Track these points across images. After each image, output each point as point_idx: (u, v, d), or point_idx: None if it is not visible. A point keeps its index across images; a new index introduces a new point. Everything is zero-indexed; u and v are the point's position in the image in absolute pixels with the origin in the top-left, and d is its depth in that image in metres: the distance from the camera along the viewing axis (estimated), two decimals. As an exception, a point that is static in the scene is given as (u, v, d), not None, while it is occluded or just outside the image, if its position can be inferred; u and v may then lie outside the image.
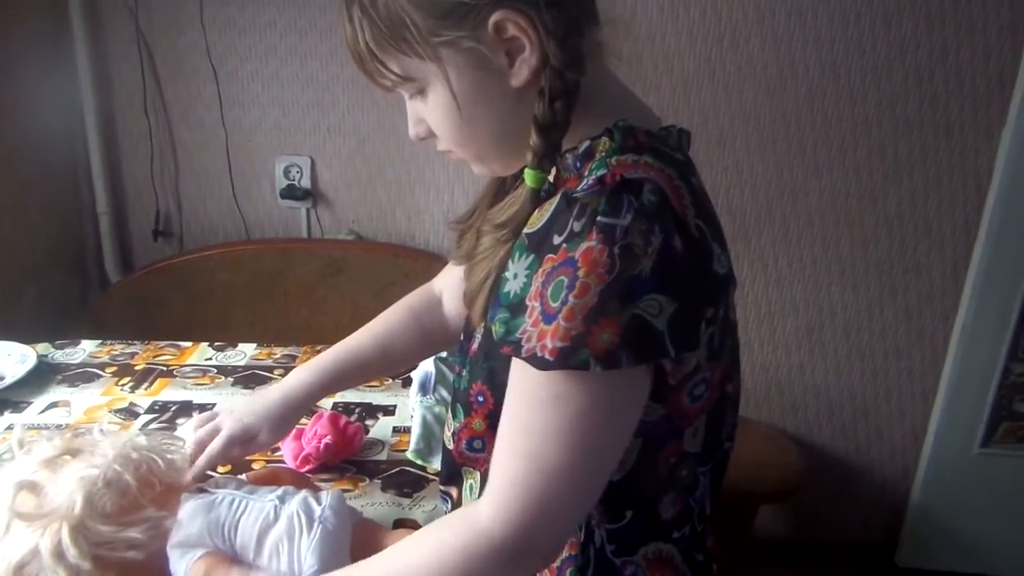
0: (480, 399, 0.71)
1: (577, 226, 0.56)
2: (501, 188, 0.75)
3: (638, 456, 0.66)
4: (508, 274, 0.61)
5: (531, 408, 0.59)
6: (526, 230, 0.62)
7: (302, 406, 0.93)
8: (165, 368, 1.31)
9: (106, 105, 1.89)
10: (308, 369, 0.94)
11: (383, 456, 1.07)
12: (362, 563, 0.69)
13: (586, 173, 0.60)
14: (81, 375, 1.28)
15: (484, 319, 0.65)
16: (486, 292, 0.64)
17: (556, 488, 0.59)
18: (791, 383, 2.07)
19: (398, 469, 1.04)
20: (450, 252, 1.96)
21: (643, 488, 0.67)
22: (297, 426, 1.01)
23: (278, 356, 1.37)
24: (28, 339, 1.36)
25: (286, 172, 1.91)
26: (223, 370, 1.31)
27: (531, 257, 0.59)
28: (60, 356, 1.35)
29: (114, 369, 1.31)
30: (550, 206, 0.61)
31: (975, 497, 2.11)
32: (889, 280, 1.98)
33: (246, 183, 1.94)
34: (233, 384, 1.27)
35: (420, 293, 0.99)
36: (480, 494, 0.74)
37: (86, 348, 1.38)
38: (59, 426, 1.13)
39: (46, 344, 1.39)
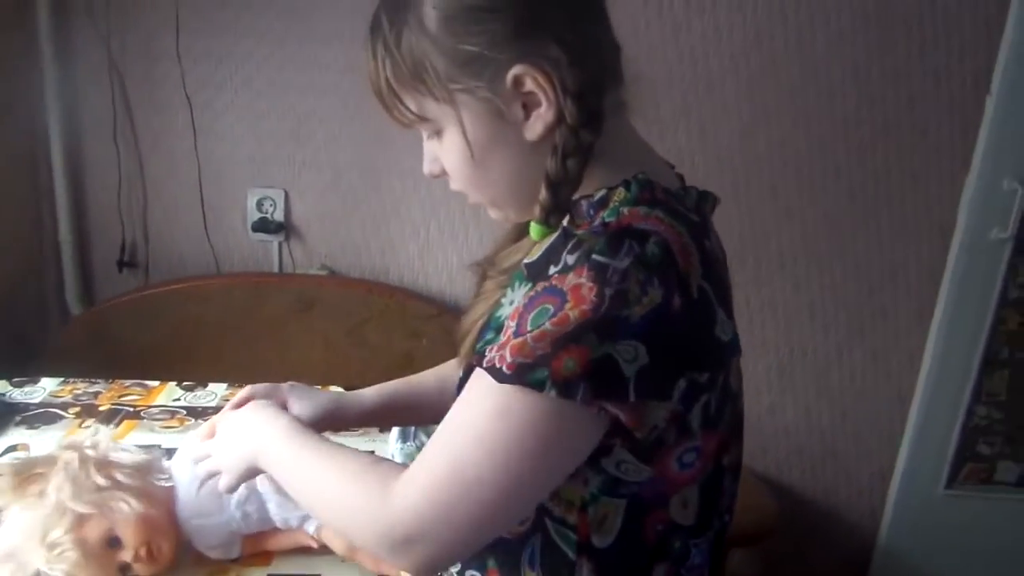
0: None
1: (570, 259, 0.57)
2: (524, 233, 0.76)
3: (623, 520, 0.65)
4: (505, 300, 0.62)
5: (474, 413, 0.59)
6: (525, 260, 0.63)
7: (345, 409, 0.95)
8: (132, 409, 1.27)
9: (73, 131, 1.84)
10: (369, 388, 0.98)
11: (362, 506, 1.04)
12: (303, 442, 0.72)
13: (597, 221, 0.61)
14: (41, 416, 1.23)
15: (471, 357, 0.64)
16: (475, 331, 0.64)
17: (467, 497, 0.58)
18: (761, 425, 2.08)
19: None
20: (425, 288, 1.95)
21: (631, 555, 0.66)
22: None
23: (250, 397, 1.33)
24: (-18, 374, 1.30)
25: (259, 205, 1.88)
26: (192, 411, 1.27)
27: (528, 286, 0.60)
28: (18, 395, 1.30)
29: (77, 409, 1.26)
30: (547, 242, 0.63)
31: (940, 538, 2.13)
32: (857, 322, 2.01)
33: (217, 215, 1.89)
34: (203, 427, 1.22)
35: None
36: None
37: (46, 387, 1.33)
38: (18, 472, 1.07)
39: (3, 381, 1.33)
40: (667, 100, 1.83)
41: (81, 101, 1.83)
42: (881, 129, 1.87)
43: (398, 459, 1.08)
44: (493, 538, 0.64)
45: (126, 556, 0.84)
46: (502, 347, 0.56)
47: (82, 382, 1.35)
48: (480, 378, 0.58)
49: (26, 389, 1.31)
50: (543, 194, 0.62)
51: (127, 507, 0.83)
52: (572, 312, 0.54)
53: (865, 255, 1.96)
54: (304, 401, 0.92)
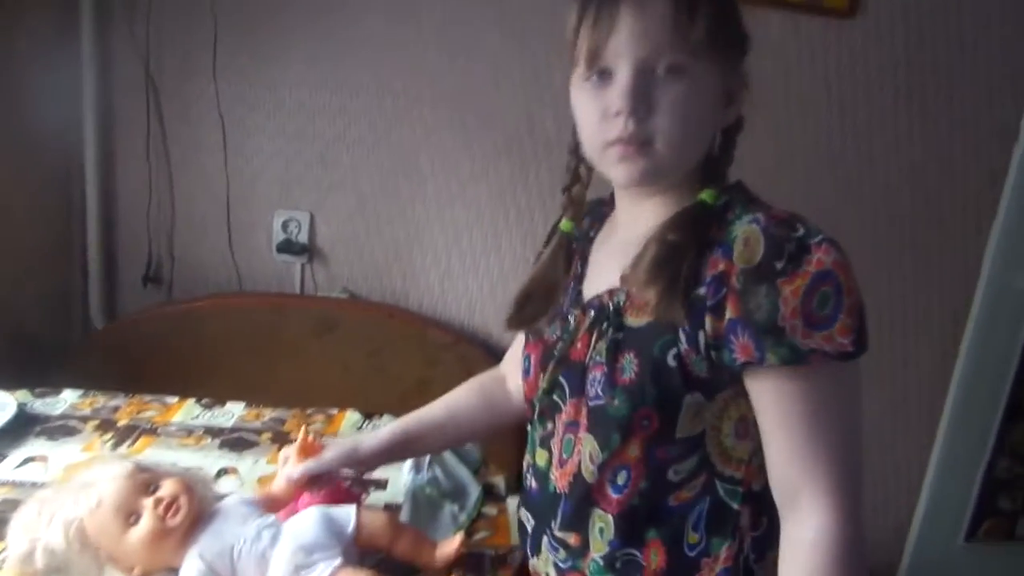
0: (645, 423, 0.75)
1: (791, 247, 0.69)
2: (566, 257, 0.88)
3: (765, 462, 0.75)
4: (749, 306, 0.69)
5: (831, 396, 0.71)
6: (744, 266, 0.70)
7: (369, 450, 1.00)
8: (149, 425, 1.27)
9: (107, 146, 1.87)
10: (381, 430, 1.04)
11: (374, 535, 1.03)
12: None
13: (730, 218, 0.74)
14: (61, 428, 1.24)
15: (671, 311, 0.72)
16: (678, 292, 0.72)
17: (857, 456, 0.72)
18: (778, 466, 2.05)
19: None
20: (444, 316, 1.94)
21: (771, 495, 0.76)
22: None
23: (266, 419, 1.34)
24: (2, 383, 1.31)
25: (284, 226, 1.90)
26: (210, 431, 1.28)
27: (763, 286, 0.69)
28: (40, 405, 1.31)
29: (96, 423, 1.26)
30: (757, 245, 0.70)
31: (958, 593, 2.09)
32: (876, 370, 1.98)
33: (243, 234, 1.91)
34: (220, 447, 1.23)
35: (489, 372, 1.08)
36: (615, 537, 0.78)
37: (67, 399, 1.34)
38: (35, 484, 1.08)
39: (25, 391, 1.34)
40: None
41: (118, 116, 1.87)
42: (907, 173, 1.87)
43: (409, 488, 1.08)
44: None
45: (150, 499, 0.88)
46: (820, 337, 0.68)
47: (103, 395, 1.36)
48: (804, 376, 0.69)
49: (47, 400, 1.32)
50: (713, 172, 0.78)
51: (176, 474, 0.94)
52: (850, 282, 0.68)
53: (887, 300, 1.94)
54: (328, 441, 1.03)
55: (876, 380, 1.98)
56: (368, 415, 1.37)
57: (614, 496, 0.78)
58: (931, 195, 1.88)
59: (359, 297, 1.93)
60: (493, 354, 1.82)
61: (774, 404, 0.72)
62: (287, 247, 1.89)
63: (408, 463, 1.13)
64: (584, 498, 0.80)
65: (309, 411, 1.37)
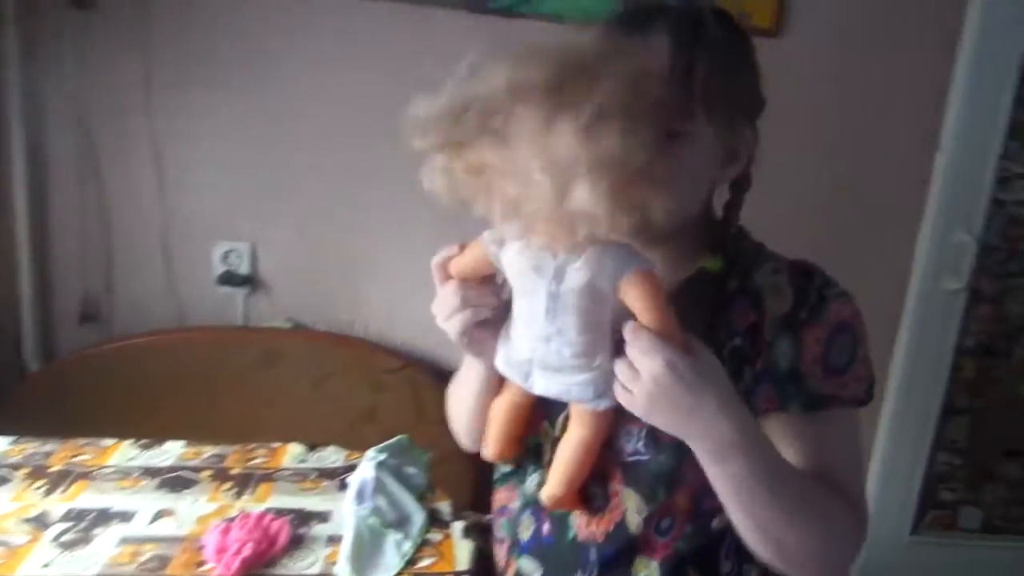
0: (689, 476, 0.77)
1: (814, 297, 0.77)
2: None
3: None
4: (776, 354, 0.76)
5: (845, 438, 0.79)
6: (774, 316, 0.77)
7: None
8: (84, 469, 1.24)
9: (38, 183, 1.83)
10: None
11: (316, 570, 1.02)
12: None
13: (746, 267, 0.81)
14: (-10, 477, 1.20)
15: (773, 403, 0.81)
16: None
17: (864, 483, 0.82)
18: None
19: (331, 585, 0.99)
20: (391, 341, 1.92)
21: None
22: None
23: (207, 455, 1.31)
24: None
25: (224, 257, 1.88)
26: (148, 471, 1.25)
27: (788, 334, 0.76)
28: (-32, 456, 1.26)
29: (27, 471, 1.22)
30: (787, 295, 0.77)
31: (908, 586, 2.14)
32: (820, 372, 2.03)
33: (182, 267, 1.88)
34: (158, 487, 1.20)
35: None
36: None
37: (-3, 446, 1.30)
38: (-38, 538, 1.04)
39: (-47, 442, 1.30)
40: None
41: (49, 154, 1.83)
42: (841, 180, 1.92)
43: (352, 522, 1.07)
44: None
45: None
46: (838, 384, 0.76)
47: (34, 441, 1.32)
48: (831, 418, 0.77)
49: (-24, 449, 1.28)
50: (716, 233, 0.83)
51: None
52: (861, 332, 0.78)
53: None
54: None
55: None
56: (313, 446, 1.36)
57: (660, 541, 0.80)
58: (864, 202, 1.94)
59: (303, 326, 1.91)
60: (442, 376, 1.81)
61: (793, 446, 0.77)
62: (228, 279, 1.87)
63: (350, 492, 1.12)
64: (628, 548, 0.81)
65: (251, 446, 1.35)
